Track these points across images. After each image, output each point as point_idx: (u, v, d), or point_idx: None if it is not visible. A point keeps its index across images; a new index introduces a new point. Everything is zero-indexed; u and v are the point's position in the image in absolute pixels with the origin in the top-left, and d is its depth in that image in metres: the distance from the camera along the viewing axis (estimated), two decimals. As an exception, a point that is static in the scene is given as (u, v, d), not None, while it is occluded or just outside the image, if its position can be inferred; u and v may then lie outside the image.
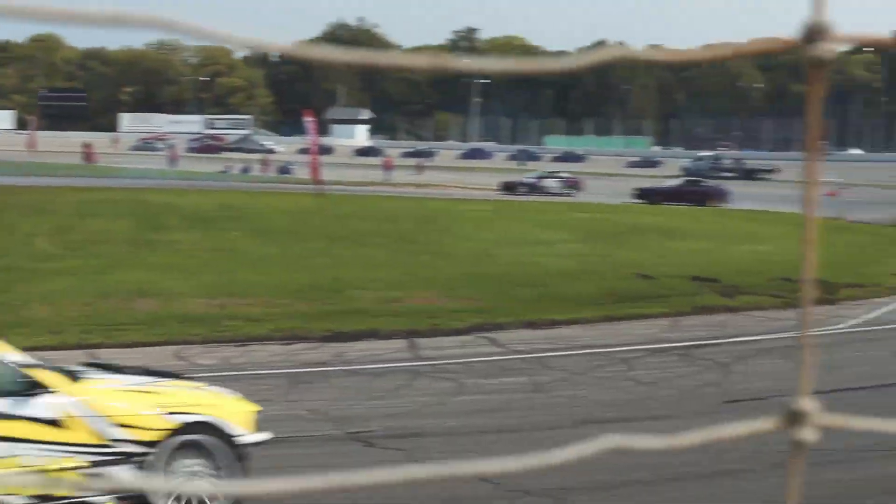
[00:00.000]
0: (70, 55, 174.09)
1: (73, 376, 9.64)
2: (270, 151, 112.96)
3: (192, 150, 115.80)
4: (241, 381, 14.23)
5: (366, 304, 21.83)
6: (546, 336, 19.48)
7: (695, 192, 60.25)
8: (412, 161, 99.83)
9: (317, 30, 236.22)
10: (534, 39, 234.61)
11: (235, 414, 10.05)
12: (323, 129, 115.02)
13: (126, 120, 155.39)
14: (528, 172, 77.95)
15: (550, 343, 18.70)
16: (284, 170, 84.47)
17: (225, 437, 9.77)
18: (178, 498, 9.26)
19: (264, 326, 19.65)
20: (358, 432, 12.90)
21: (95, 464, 9.26)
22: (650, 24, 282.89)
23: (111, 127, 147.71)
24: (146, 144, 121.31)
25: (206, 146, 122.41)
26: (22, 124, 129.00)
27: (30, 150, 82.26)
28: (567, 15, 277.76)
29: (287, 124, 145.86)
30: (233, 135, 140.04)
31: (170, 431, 9.56)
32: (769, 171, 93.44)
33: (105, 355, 15.75)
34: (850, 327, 21.10)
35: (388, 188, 65.98)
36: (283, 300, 21.90)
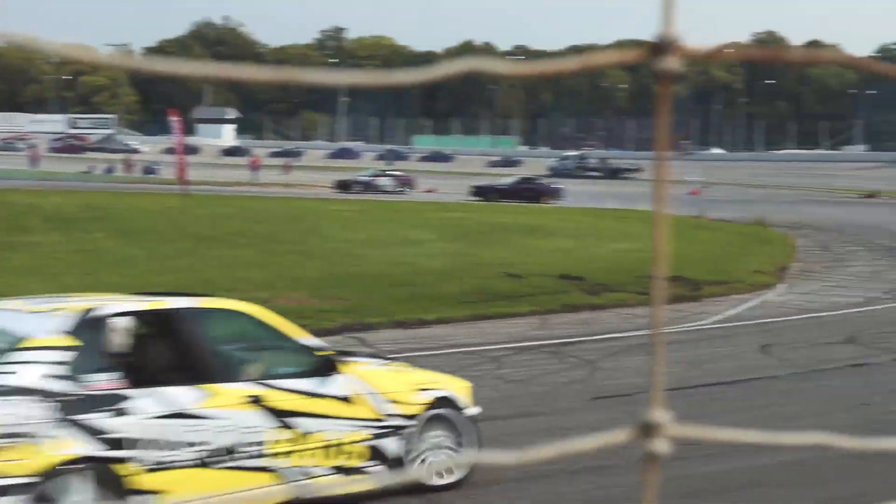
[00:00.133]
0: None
1: (345, 358, 10.57)
2: (135, 151, 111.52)
3: (54, 150, 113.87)
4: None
5: (233, 305, 21.61)
6: (415, 335, 19.51)
7: (529, 190, 62.87)
8: (279, 161, 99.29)
9: (182, 28, 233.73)
10: (401, 39, 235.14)
11: (461, 389, 11.09)
12: (189, 129, 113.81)
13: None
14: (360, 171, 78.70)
15: (419, 343, 18.73)
16: (149, 170, 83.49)
17: (459, 410, 10.83)
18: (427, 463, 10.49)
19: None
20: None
21: (375, 436, 10.21)
22: (518, 23, 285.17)
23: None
24: (7, 144, 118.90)
25: (69, 146, 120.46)
26: None
27: None
28: (434, 15, 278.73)
29: (152, 124, 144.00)
30: (96, 134, 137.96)
31: (425, 406, 10.57)
32: (633, 171, 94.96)
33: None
34: (712, 323, 21.52)
35: (256, 188, 65.54)
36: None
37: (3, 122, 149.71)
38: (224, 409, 9.29)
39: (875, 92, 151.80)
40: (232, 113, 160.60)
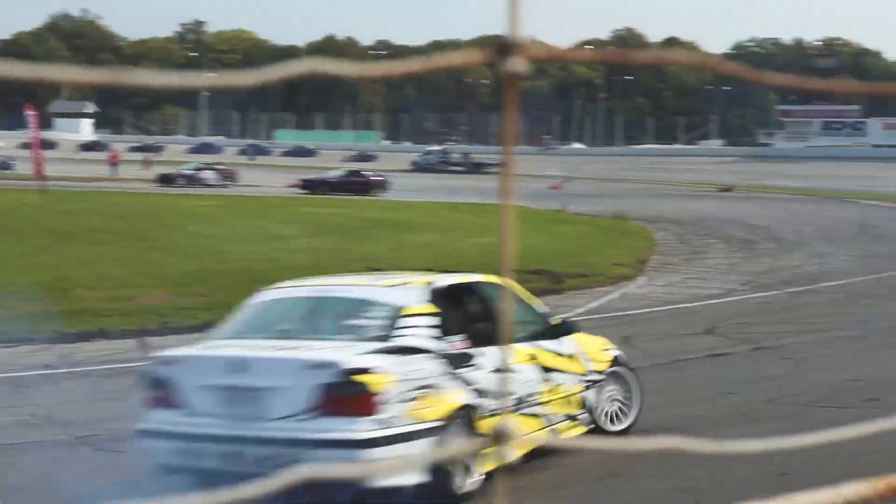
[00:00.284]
0: None
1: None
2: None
3: None
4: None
5: (93, 303, 21.24)
6: (279, 332, 19.36)
7: (358, 183, 64.04)
8: (139, 156, 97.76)
9: (39, 21, 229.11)
10: (263, 34, 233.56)
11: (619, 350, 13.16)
12: (45, 123, 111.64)
13: None
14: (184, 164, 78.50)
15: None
16: (4, 165, 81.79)
17: (627, 367, 12.67)
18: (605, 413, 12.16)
19: (-16, 329, 18.86)
20: (87, 436, 12.52)
21: (586, 388, 11.94)
22: (381, 19, 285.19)
23: None
24: None
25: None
26: None
27: None
28: (297, 10, 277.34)
29: (7, 118, 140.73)
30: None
31: (609, 363, 12.39)
32: (496, 165, 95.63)
33: None
34: (575, 316, 21.75)
35: (115, 183, 64.54)
36: (4, 301, 21.09)
37: None
38: (520, 364, 11.02)
39: (730, 88, 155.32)
40: (90, 107, 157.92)
